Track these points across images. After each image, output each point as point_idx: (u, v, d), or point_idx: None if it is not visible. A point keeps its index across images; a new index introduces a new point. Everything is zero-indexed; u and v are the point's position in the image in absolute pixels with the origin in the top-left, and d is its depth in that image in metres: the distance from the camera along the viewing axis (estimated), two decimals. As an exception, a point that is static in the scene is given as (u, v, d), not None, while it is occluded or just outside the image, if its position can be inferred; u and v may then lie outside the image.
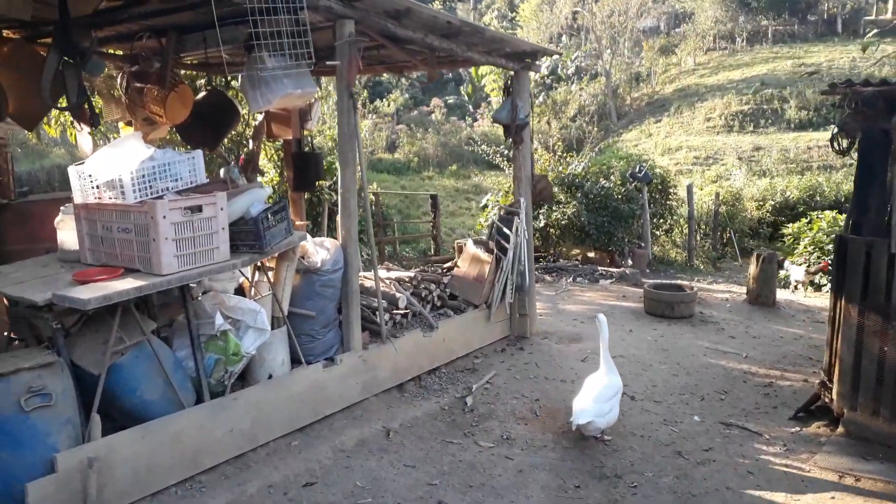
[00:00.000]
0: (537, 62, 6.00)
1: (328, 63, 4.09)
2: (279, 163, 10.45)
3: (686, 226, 11.31)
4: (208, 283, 4.16)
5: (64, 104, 4.25)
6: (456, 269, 5.79)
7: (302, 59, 3.85)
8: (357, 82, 13.18)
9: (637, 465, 3.69)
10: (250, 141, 8.89)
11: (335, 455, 3.85)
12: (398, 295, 5.11)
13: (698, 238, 11.44)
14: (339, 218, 4.55)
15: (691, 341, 5.93)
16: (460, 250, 8.07)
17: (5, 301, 3.91)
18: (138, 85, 5.46)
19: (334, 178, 11.49)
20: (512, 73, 5.85)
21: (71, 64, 4.06)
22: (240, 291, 4.66)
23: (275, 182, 10.31)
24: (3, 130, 7.73)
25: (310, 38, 3.78)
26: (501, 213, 5.92)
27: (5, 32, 5.20)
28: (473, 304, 5.55)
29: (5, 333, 5.15)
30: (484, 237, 7.07)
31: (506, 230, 5.57)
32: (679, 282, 7.75)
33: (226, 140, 8.31)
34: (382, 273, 5.54)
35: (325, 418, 4.20)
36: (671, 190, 11.19)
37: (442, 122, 29.02)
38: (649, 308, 6.78)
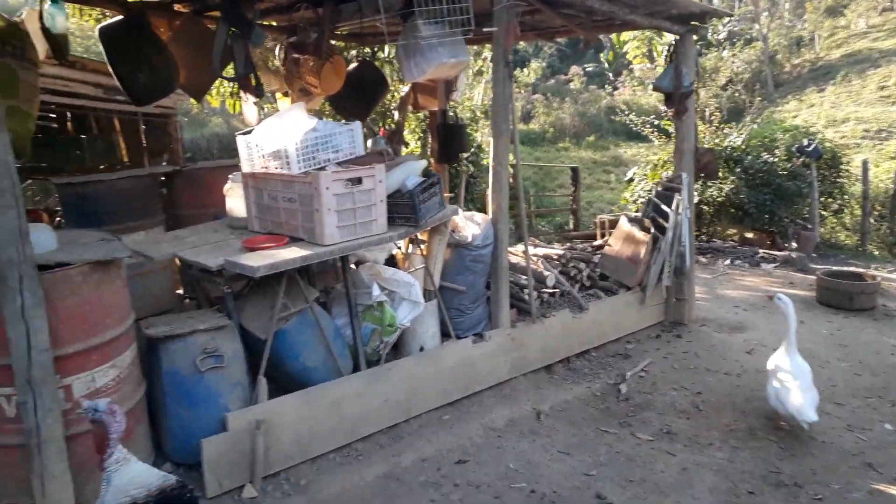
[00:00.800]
0: (705, 24, 5.51)
1: (485, 30, 3.93)
2: (421, 134, 10.53)
3: (858, 207, 10.18)
4: (361, 252, 4.21)
5: (231, 74, 4.40)
6: (607, 247, 5.50)
7: (459, 26, 3.72)
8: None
9: (820, 475, 3.32)
10: (395, 112, 8.99)
11: (486, 433, 3.78)
12: (546, 273, 4.94)
13: (872, 220, 10.25)
14: (489, 191, 4.42)
15: (875, 337, 5.28)
16: (602, 226, 7.73)
17: (177, 262, 4.16)
18: (295, 56, 5.59)
19: (472, 150, 11.46)
20: (676, 37, 5.40)
21: (237, 35, 4.18)
22: (389, 262, 4.69)
23: (415, 153, 10.40)
24: (172, 101, 8.30)
25: (469, 3, 3.64)
26: (659, 188, 5.55)
27: (177, 7, 5.48)
28: (626, 285, 5.26)
29: (178, 292, 5.56)
30: (633, 213, 6.71)
31: (664, 207, 5.20)
32: (857, 269, 6.97)
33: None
34: (530, 249, 5.38)
35: (475, 394, 4.15)
36: (842, 166, 10.09)
37: (580, 90, 28.10)
38: (823, 297, 6.13)
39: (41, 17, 4.63)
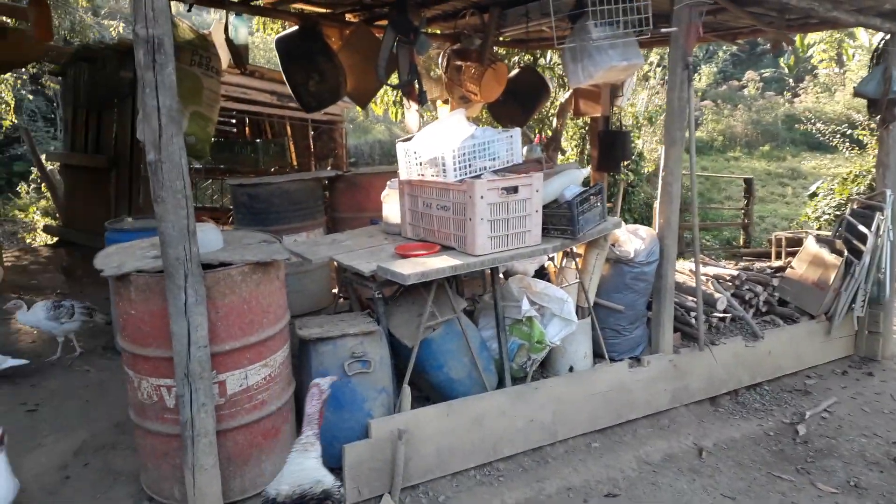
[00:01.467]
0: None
1: (663, 30, 3.61)
2: (579, 141, 10.21)
3: None
4: (511, 263, 4.05)
5: (395, 82, 4.43)
6: (789, 269, 4.91)
7: (634, 26, 3.45)
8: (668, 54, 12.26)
9: None
10: (553, 118, 8.76)
11: (639, 466, 3.46)
12: (717, 295, 4.48)
13: None
14: (656, 203, 4.08)
15: None
16: (778, 244, 6.98)
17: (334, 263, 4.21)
18: (458, 63, 5.56)
19: (632, 158, 10.91)
20: (886, 36, 4.71)
21: (403, 43, 4.21)
22: (538, 274, 4.49)
23: (572, 161, 10.08)
24: (340, 108, 8.66)
25: (648, 2, 3.35)
26: (855, 206, 4.86)
27: (348, 16, 5.66)
28: (809, 313, 4.66)
29: (334, 291, 5.73)
30: (819, 232, 5.98)
31: (861, 228, 4.54)
32: None
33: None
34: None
35: (628, 423, 3.83)
36: None
37: (755, 97, 26.06)
38: None
39: (226, 29, 4.95)
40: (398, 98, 12.06)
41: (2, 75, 9.42)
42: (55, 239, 8.79)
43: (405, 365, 3.28)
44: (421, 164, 3.53)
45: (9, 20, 7.19)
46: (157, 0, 2.39)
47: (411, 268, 3.08)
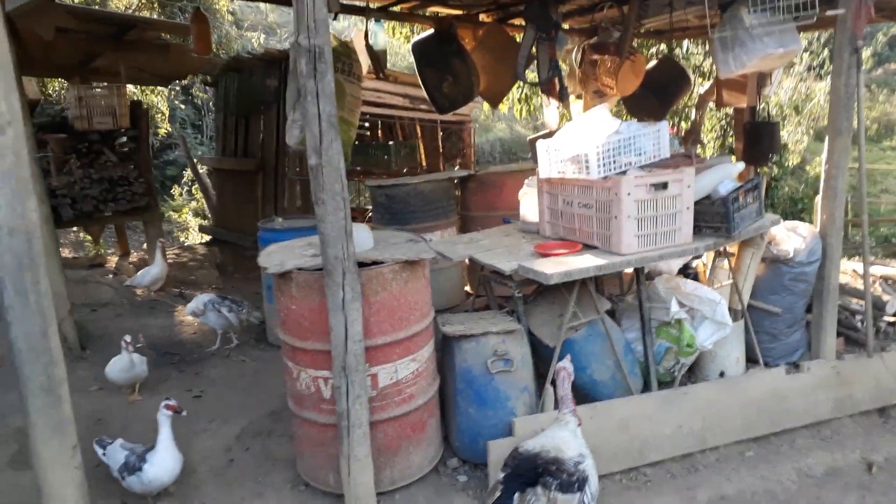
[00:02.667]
0: None
1: (829, 13, 3.34)
2: (719, 133, 9.70)
3: None
4: (657, 262, 3.91)
5: (533, 79, 4.41)
6: (972, 270, 4.41)
7: (793, 11, 3.22)
8: (817, 39, 11.37)
9: None
10: (691, 110, 8.38)
11: (800, 479, 3.23)
12: (886, 297, 4.11)
13: None
14: (818, 198, 3.79)
15: None
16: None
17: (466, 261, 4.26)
18: (594, 57, 5.45)
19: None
20: None
21: (542, 40, 4.19)
22: (682, 272, 4.30)
23: (712, 154, 9.60)
24: (468, 108, 8.76)
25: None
26: None
27: (482, 17, 5.70)
28: None
29: (466, 289, 5.80)
30: None
31: None
32: None
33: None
34: (860, 267, 4.53)
35: (785, 432, 3.58)
36: None
37: (915, 80, 23.58)
38: None
39: (366, 35, 5.15)
40: (523, 96, 12.00)
41: (161, 87, 10.31)
42: (208, 238, 9.53)
43: (545, 365, 3.26)
44: (561, 162, 3.49)
45: (170, 36, 7.88)
46: (319, 12, 2.51)
47: (553, 267, 3.05)
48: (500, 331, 3.15)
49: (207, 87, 9.80)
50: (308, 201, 5.55)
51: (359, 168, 8.92)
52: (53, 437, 2.38)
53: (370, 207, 7.32)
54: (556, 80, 4.24)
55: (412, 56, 5.60)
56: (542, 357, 3.30)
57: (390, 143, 9.09)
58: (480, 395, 3.13)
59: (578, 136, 3.44)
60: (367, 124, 9.37)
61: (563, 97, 4.60)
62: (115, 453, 3.04)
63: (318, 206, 2.64)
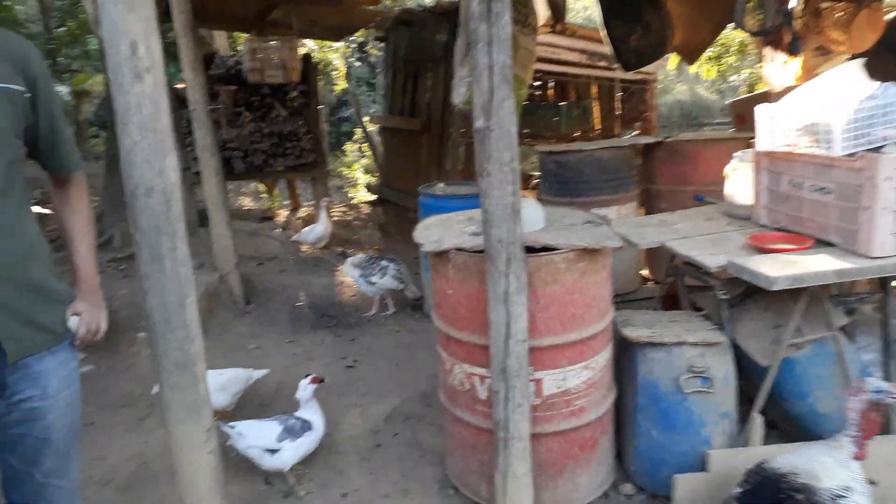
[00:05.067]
0: None
1: None
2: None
3: None
4: None
5: (756, 29, 3.63)
6: None
7: None
8: None
9: None
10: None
11: None
12: None
13: None
14: None
15: None
16: None
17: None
18: (823, 4, 4.47)
19: None
20: None
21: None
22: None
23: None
24: (654, 66, 7.85)
25: None
26: None
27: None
28: None
29: (642, 273, 5.15)
30: None
31: None
32: None
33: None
34: None
35: None
36: None
37: None
38: None
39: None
40: (714, 53, 10.68)
41: (336, 42, 10.38)
42: (374, 197, 9.53)
43: (752, 386, 2.63)
44: (791, 132, 2.75)
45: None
46: (498, -62, 2.03)
47: (777, 267, 2.39)
48: (699, 342, 2.56)
49: (380, 43, 9.69)
50: (472, 166, 5.19)
51: (525, 130, 8.39)
52: (188, 419, 2.19)
53: (535, 174, 6.81)
54: (785, 30, 3.42)
55: (596, 5, 4.96)
56: (748, 376, 2.66)
57: (561, 103, 8.45)
58: (667, 417, 2.57)
59: (816, 100, 2.69)
60: (537, 83, 8.78)
61: (794, 50, 3.76)
62: (257, 429, 2.86)
63: (483, 178, 2.20)
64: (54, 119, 1.70)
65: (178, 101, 5.43)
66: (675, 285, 3.25)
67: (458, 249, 2.48)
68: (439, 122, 7.40)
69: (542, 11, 5.06)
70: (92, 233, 1.86)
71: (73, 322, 1.71)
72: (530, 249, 2.37)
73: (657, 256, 4.66)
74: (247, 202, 10.25)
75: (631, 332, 2.63)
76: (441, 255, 2.54)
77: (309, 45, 16.39)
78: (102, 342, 1.86)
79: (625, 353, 2.73)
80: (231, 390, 3.27)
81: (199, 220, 6.01)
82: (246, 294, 5.23)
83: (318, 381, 3.01)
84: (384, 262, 4.88)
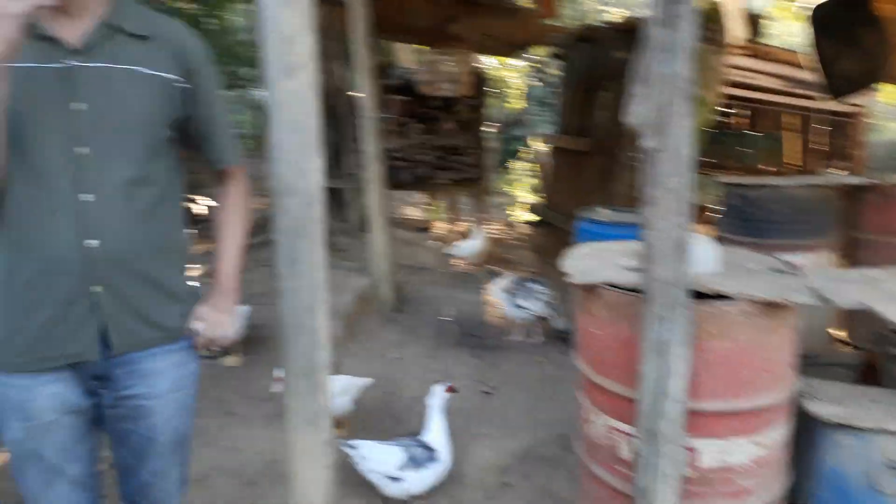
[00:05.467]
0: None
1: None
2: None
3: None
4: None
5: None
6: None
7: None
8: None
9: None
10: None
11: None
12: None
13: None
14: None
15: None
16: None
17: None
18: None
19: None
20: None
21: None
22: None
23: None
24: (866, 97, 6.90)
25: None
26: None
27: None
28: None
29: (830, 331, 4.45)
30: None
31: None
32: None
33: None
34: None
35: None
36: None
37: None
38: None
39: (744, -4, 4.13)
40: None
41: (509, 57, 10.32)
42: (535, 218, 9.31)
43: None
44: None
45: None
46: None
47: None
48: (903, 429, 2.05)
49: (558, 61, 9.48)
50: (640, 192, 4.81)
51: (705, 159, 7.74)
52: (307, 428, 2.10)
53: (714, 208, 6.21)
54: None
55: (809, 25, 4.39)
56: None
57: (749, 132, 7.71)
58: (854, 515, 2.09)
59: None
60: (724, 108, 8.09)
61: None
62: (380, 452, 2.73)
63: (649, 207, 1.91)
64: (213, 112, 1.68)
65: (353, 108, 5.57)
66: (877, 355, 2.69)
67: (610, 285, 2.19)
68: (609, 143, 7.04)
69: (736, 31, 4.56)
70: (242, 231, 1.80)
71: (198, 325, 1.67)
72: (699, 295, 2.02)
73: (856, 316, 3.99)
74: (410, 211, 10.47)
75: (817, 408, 2.17)
76: (590, 290, 2.27)
77: (488, 63, 16.63)
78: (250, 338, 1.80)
79: (806, 432, 2.26)
80: (349, 395, 3.21)
81: (361, 225, 6.15)
82: (396, 302, 5.24)
83: (452, 390, 2.90)
84: (534, 286, 4.64)
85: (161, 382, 1.58)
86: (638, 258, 2.08)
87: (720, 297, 2.05)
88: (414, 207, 10.82)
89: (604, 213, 4.48)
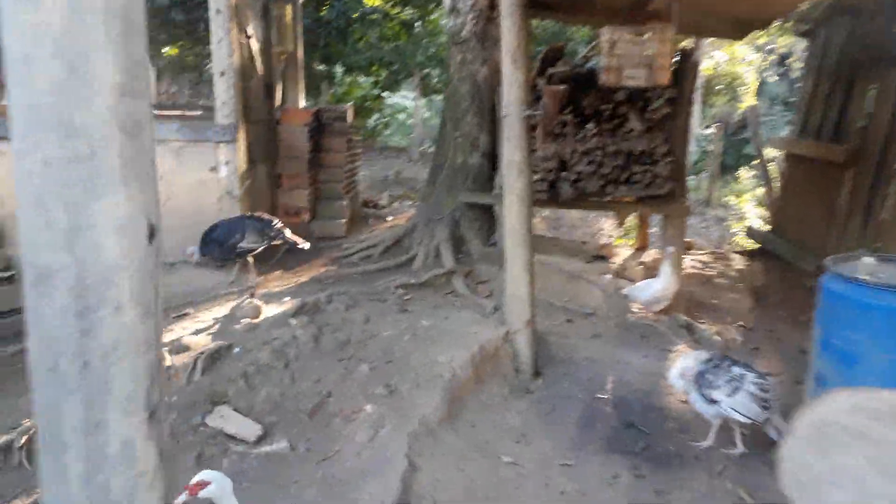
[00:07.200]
0: None
1: None
2: None
3: None
4: None
5: None
6: None
7: None
8: None
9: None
10: None
11: None
12: None
13: None
14: None
15: None
16: None
17: None
18: None
19: None
20: None
21: None
22: None
23: None
24: None
25: None
26: None
27: None
28: None
29: None
30: None
31: None
32: None
33: None
34: None
35: None
36: None
37: None
38: None
39: None
40: None
41: (736, 40, 8.26)
42: (755, 245, 7.24)
43: None
44: None
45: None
46: None
47: None
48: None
49: (805, 39, 7.23)
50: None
51: None
52: None
53: None
54: None
55: None
56: None
57: None
58: None
59: None
60: None
61: None
62: None
63: None
64: None
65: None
66: None
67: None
68: (878, 152, 4.96)
69: None
70: None
71: None
72: None
73: None
74: (581, 233, 8.80)
75: None
76: None
77: (716, 58, 14.24)
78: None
79: None
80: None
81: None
82: (535, 362, 3.84)
83: None
84: (739, 370, 3.00)
85: None
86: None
87: None
88: (592, 228, 9.14)
89: (865, 265, 2.74)
